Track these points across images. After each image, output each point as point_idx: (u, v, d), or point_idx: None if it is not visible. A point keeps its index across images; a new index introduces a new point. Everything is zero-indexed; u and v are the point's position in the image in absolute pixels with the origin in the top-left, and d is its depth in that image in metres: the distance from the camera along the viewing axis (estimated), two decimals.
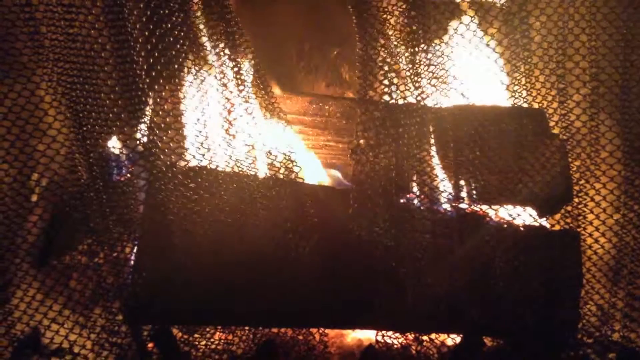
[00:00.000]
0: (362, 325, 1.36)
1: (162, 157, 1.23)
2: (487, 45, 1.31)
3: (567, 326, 1.31)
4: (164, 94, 1.26)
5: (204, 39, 1.32)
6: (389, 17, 1.26)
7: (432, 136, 1.31)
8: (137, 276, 1.23)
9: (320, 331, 1.34)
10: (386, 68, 1.26)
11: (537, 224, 1.33)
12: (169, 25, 1.23)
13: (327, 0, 1.82)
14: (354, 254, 1.27)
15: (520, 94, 1.37)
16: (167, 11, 1.23)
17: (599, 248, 1.36)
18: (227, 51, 1.32)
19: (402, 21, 1.27)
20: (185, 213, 1.23)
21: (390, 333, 1.32)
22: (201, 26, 1.31)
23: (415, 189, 1.30)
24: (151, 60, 1.22)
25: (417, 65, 1.28)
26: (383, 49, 1.26)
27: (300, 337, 1.35)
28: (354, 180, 1.27)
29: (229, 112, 1.31)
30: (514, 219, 1.32)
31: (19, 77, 1.20)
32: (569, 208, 1.37)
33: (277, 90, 1.64)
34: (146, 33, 1.21)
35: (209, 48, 1.32)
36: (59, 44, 1.22)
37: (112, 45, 1.22)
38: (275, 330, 1.35)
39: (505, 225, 1.31)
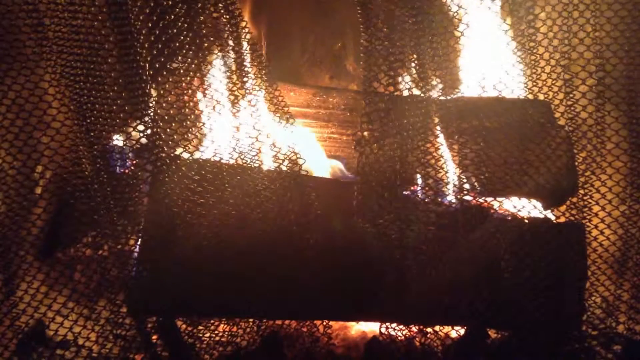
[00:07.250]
0: (366, 317, 1.36)
1: (165, 149, 1.23)
2: (493, 35, 1.30)
3: (571, 318, 1.31)
4: (167, 85, 1.25)
5: (208, 30, 1.31)
6: (393, 7, 1.25)
7: (437, 128, 1.31)
8: (141, 268, 1.23)
9: (325, 323, 1.34)
10: (391, 59, 1.25)
11: (542, 216, 1.32)
12: (172, 17, 1.23)
13: None
14: (358, 246, 1.27)
15: (525, 85, 1.36)
16: (170, 2, 1.23)
17: (604, 240, 1.35)
18: (230, 43, 1.32)
19: (406, 12, 1.26)
20: (190, 205, 1.23)
21: (394, 325, 1.31)
22: (204, 17, 1.30)
23: (419, 181, 1.29)
24: (154, 52, 1.22)
25: (421, 57, 1.27)
26: (387, 40, 1.25)
27: (305, 329, 1.34)
28: (358, 172, 1.26)
29: (233, 104, 1.31)
30: (519, 211, 1.31)
31: (23, 69, 1.20)
32: (575, 200, 1.37)
33: (280, 83, 1.64)
34: (149, 24, 1.21)
35: (212, 40, 1.32)
36: (62, 35, 1.22)
37: (115, 37, 1.22)
38: (279, 322, 1.35)
39: (510, 218, 1.30)
